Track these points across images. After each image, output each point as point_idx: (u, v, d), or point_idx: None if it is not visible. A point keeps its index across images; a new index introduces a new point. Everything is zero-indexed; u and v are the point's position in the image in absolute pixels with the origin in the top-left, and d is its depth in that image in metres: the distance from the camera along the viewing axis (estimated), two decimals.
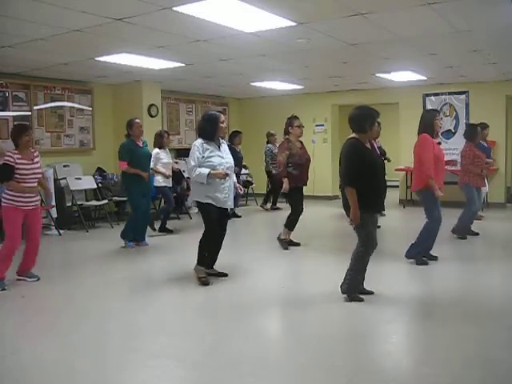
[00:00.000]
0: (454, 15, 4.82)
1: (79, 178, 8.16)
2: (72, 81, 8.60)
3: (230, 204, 4.88)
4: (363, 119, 4.09)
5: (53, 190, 7.81)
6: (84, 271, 5.46)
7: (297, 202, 6.27)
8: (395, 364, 3.18)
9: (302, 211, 6.34)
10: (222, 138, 4.98)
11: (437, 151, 5.25)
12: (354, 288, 4.22)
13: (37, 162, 4.87)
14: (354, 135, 4.14)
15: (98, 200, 8.32)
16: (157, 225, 7.61)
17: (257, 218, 9.50)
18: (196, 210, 9.70)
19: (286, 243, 6.31)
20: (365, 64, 7.60)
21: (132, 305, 4.34)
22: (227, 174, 4.68)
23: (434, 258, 5.46)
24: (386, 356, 3.30)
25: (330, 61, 7.33)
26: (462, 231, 6.73)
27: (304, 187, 6.40)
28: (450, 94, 9.93)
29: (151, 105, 9.24)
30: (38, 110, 8.13)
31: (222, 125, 4.81)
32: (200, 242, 4.86)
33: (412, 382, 2.93)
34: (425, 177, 5.15)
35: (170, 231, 7.62)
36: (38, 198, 4.96)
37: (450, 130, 9.93)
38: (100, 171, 8.79)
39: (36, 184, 4.86)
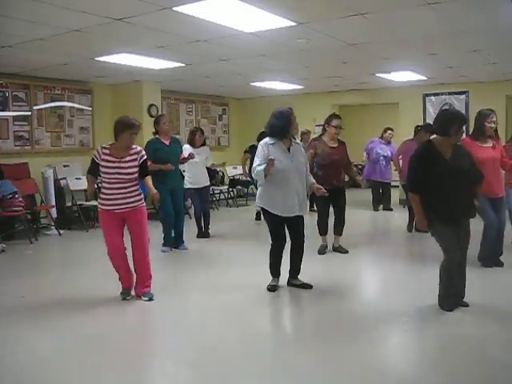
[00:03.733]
0: (454, 15, 4.82)
1: (79, 178, 8.15)
2: (72, 81, 8.60)
3: (298, 210, 4.41)
4: (449, 122, 3.78)
5: (53, 191, 7.84)
6: (84, 271, 5.45)
7: (320, 204, 5.98)
8: (394, 363, 3.19)
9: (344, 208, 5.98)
10: (295, 138, 4.59)
11: (479, 154, 4.62)
12: (444, 301, 3.94)
13: (127, 161, 4.23)
14: (433, 137, 3.95)
15: (97, 200, 8.30)
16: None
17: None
18: None
19: (323, 249, 6.04)
20: (365, 64, 7.60)
21: (132, 305, 4.33)
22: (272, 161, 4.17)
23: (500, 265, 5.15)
24: (384, 356, 3.30)
25: (330, 61, 7.33)
26: None
27: None
28: (449, 93, 9.93)
29: (151, 105, 9.24)
30: (37, 109, 8.14)
31: (295, 122, 4.49)
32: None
33: (410, 381, 2.93)
34: None
35: (206, 235, 7.19)
36: (135, 199, 4.30)
37: None
38: None
39: (121, 186, 4.22)
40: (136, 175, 4.28)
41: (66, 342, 3.52)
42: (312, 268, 4.95)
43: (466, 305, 4.00)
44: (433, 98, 10.13)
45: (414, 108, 10.25)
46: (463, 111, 9.75)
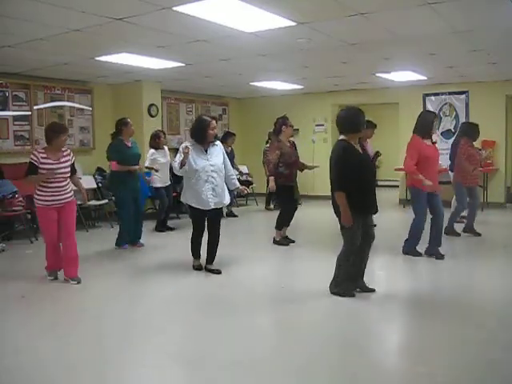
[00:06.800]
0: (454, 15, 4.82)
1: (79, 178, 8.12)
2: (72, 81, 8.59)
3: (214, 204, 4.94)
4: (355, 119, 4.08)
5: None
6: (83, 271, 5.42)
7: (285, 201, 6.40)
8: (393, 363, 3.19)
9: (296, 208, 6.47)
10: (214, 141, 5.05)
11: (427, 152, 5.37)
12: (342, 287, 4.26)
13: (64, 162, 4.87)
14: (342, 137, 4.13)
15: (98, 200, 8.31)
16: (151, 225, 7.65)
17: (255, 218, 9.50)
18: None
19: (284, 240, 6.43)
20: (365, 64, 7.60)
21: (131, 305, 4.34)
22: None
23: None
24: (385, 355, 3.30)
25: (329, 61, 7.33)
26: (451, 230, 6.79)
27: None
28: (450, 93, 9.93)
29: (151, 105, 9.24)
30: (37, 109, 8.13)
31: (211, 131, 4.90)
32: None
33: (410, 382, 2.93)
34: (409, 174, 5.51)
35: (170, 229, 7.75)
36: (69, 194, 4.97)
37: (449, 129, 9.93)
38: (100, 171, 8.78)
39: (58, 184, 4.83)
40: (69, 174, 4.93)
41: (66, 341, 3.52)
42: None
43: (373, 290, 4.34)
44: (433, 97, 10.12)
45: (413, 108, 10.21)
46: (463, 111, 9.79)
